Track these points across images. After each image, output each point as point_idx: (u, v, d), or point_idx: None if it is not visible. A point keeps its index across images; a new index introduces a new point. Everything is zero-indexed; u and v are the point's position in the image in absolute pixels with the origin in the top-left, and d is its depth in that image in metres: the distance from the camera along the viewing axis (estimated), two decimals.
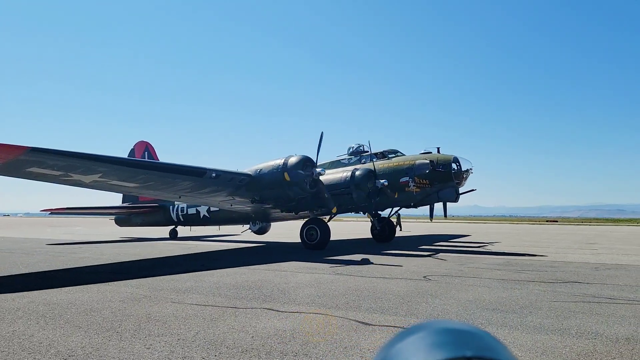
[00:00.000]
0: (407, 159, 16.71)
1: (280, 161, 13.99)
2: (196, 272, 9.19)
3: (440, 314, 5.55)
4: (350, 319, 5.23)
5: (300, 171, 13.71)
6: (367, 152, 17.66)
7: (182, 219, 20.73)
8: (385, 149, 17.86)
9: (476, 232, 30.34)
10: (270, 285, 7.61)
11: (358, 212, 17.60)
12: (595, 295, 6.69)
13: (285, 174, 13.61)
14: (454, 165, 15.96)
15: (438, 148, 16.76)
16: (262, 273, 9.19)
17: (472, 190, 17.63)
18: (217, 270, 9.59)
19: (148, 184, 13.03)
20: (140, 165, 12.42)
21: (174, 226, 21.80)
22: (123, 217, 23.06)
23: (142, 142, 23.77)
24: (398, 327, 4.91)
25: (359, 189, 15.26)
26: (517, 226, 48.59)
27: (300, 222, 15.79)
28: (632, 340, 4.40)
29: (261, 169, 14.21)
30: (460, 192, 16.24)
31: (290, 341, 4.37)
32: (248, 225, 19.15)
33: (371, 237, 19.34)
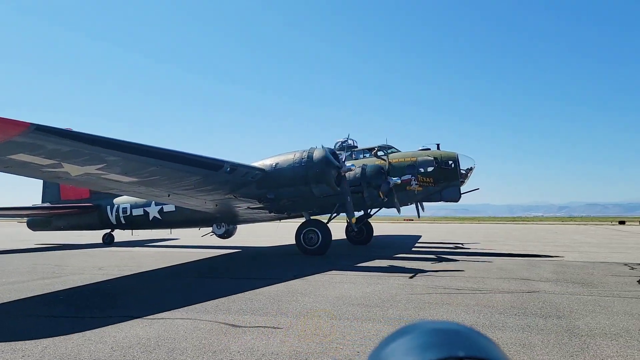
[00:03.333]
0: (407, 155, 15.48)
1: (303, 154, 12.39)
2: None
3: (310, 311, 5.67)
4: (220, 322, 5.10)
5: (327, 166, 12.19)
6: (357, 147, 16.09)
7: (123, 221, 17.54)
8: (376, 144, 16.13)
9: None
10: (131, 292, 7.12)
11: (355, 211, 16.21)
12: (445, 287, 7.38)
13: (311, 169, 12.07)
14: (458, 163, 15.02)
15: (438, 144, 15.71)
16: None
17: (476, 189, 16.56)
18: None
19: (151, 179, 10.91)
20: (161, 155, 10.12)
21: (109, 230, 18.69)
22: (40, 220, 19.24)
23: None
24: (269, 327, 4.91)
25: (370, 186, 13.85)
26: (478, 225, 51.53)
27: (274, 225, 14.57)
28: (475, 327, 4.93)
29: (277, 163, 12.50)
30: (462, 191, 15.34)
31: (155, 349, 4.12)
32: (211, 229, 16.57)
33: (345, 238, 18.13)
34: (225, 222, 16.03)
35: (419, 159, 15.02)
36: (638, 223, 54.69)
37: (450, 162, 14.86)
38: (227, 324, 5.05)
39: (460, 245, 17.17)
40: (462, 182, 15.13)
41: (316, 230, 13.04)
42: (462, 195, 15.16)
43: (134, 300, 6.68)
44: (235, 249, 15.84)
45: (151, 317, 5.38)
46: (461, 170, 14.94)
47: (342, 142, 15.25)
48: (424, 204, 16.41)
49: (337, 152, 13.51)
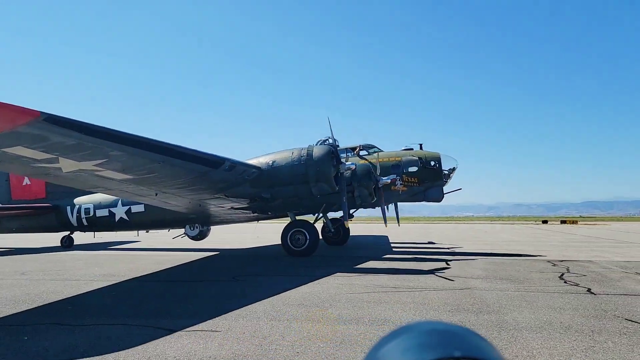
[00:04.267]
0: (392, 155, 15.28)
1: (302, 151, 11.99)
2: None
3: (249, 312, 5.60)
4: (156, 327, 4.93)
5: (328, 164, 11.82)
6: (338, 146, 15.29)
7: (85, 223, 16.14)
8: (357, 144, 15.87)
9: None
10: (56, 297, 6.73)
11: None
12: (383, 286, 7.54)
13: (312, 167, 11.69)
14: (442, 163, 14.98)
15: (420, 145, 15.60)
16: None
17: (458, 189, 16.62)
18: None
19: (148, 176, 10.11)
20: (168, 150, 9.41)
21: (69, 232, 17.20)
22: None
23: None
24: (207, 330, 4.80)
25: (362, 186, 13.48)
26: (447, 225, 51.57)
27: (250, 225, 13.66)
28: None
29: (274, 161, 12.00)
30: (445, 191, 15.32)
31: (84, 358, 3.91)
32: (183, 230, 15.62)
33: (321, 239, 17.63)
34: (199, 224, 15.31)
35: (404, 158, 14.97)
36: (559, 222, 58.51)
37: (434, 162, 14.92)
38: (163, 328, 4.88)
39: (431, 244, 17.64)
40: (445, 182, 15.20)
41: (303, 231, 12.65)
42: (445, 195, 15.23)
43: (60, 306, 6.31)
44: (211, 251, 15.03)
45: (81, 325, 5.10)
46: (444, 171, 15.03)
47: (324, 141, 14.52)
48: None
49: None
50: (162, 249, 16.25)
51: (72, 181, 10.34)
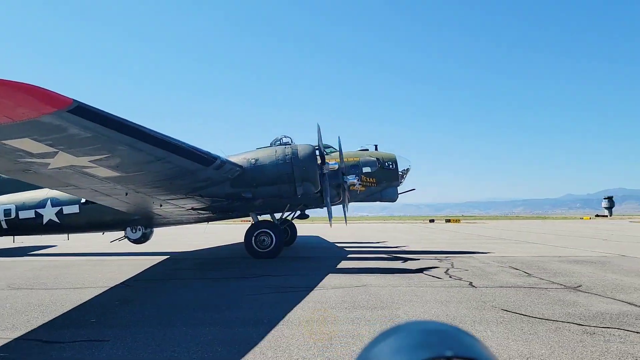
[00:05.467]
0: (350, 154, 14.96)
1: (286, 149, 11.71)
2: None
3: (140, 320, 5.31)
4: (31, 339, 4.47)
5: (314, 164, 11.64)
6: (318, 147, 14.69)
7: (4, 226, 14.19)
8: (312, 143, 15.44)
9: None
10: None
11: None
12: (282, 286, 7.56)
13: (298, 167, 11.47)
14: (398, 164, 14.91)
15: (376, 145, 15.58)
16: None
17: (412, 189, 16.65)
18: None
19: (137, 174, 9.15)
20: (172, 146, 8.62)
21: None
22: None
23: None
24: (93, 340, 4.45)
25: (331, 186, 13.03)
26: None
27: (194, 227, 12.14)
28: (310, 321, 5.13)
29: (257, 159, 11.59)
30: (399, 191, 15.32)
31: None
32: (123, 233, 14.08)
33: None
34: (142, 225, 14.04)
35: (362, 159, 14.93)
36: (444, 221, 62.98)
37: (390, 163, 15.03)
38: (43, 341, 4.45)
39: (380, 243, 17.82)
40: (400, 183, 15.41)
41: (269, 232, 12.35)
42: (399, 195, 15.50)
43: None
44: (158, 255, 13.78)
45: None
46: (399, 172, 15.19)
47: (278, 141, 14.01)
48: None
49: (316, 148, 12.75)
50: (101, 253, 14.70)
51: (46, 179, 9.32)
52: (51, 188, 11.29)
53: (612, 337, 4.37)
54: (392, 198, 15.48)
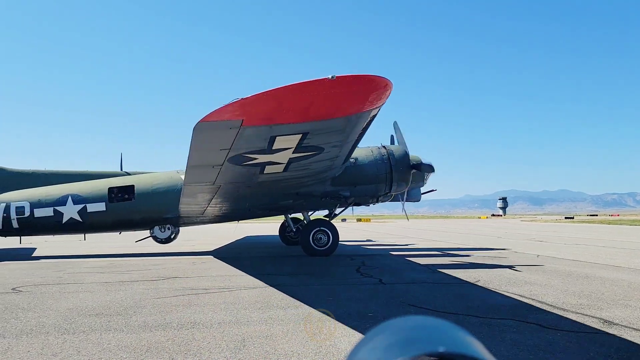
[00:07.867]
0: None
1: (381, 150, 12.24)
2: None
3: (36, 327, 4.87)
4: None
5: (407, 164, 12.21)
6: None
7: (15, 225, 12.62)
8: None
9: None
10: None
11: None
12: (193, 288, 7.33)
13: (397, 167, 12.05)
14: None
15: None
16: None
17: (434, 190, 16.30)
18: None
19: (299, 172, 9.95)
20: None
21: None
22: None
23: None
24: None
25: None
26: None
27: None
28: (222, 323, 5.01)
29: (356, 158, 11.85)
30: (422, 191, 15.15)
31: None
32: (149, 232, 13.13)
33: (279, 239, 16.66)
34: (172, 224, 13.27)
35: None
36: (355, 220, 64.78)
37: (417, 164, 15.04)
38: None
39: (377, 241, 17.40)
40: (424, 184, 15.27)
41: (326, 230, 12.31)
42: (422, 195, 15.64)
43: None
44: (201, 254, 12.86)
45: None
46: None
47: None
48: None
49: None
50: (125, 254, 13.36)
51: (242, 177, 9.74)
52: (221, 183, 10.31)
53: (507, 328, 4.73)
54: (417, 198, 15.68)
